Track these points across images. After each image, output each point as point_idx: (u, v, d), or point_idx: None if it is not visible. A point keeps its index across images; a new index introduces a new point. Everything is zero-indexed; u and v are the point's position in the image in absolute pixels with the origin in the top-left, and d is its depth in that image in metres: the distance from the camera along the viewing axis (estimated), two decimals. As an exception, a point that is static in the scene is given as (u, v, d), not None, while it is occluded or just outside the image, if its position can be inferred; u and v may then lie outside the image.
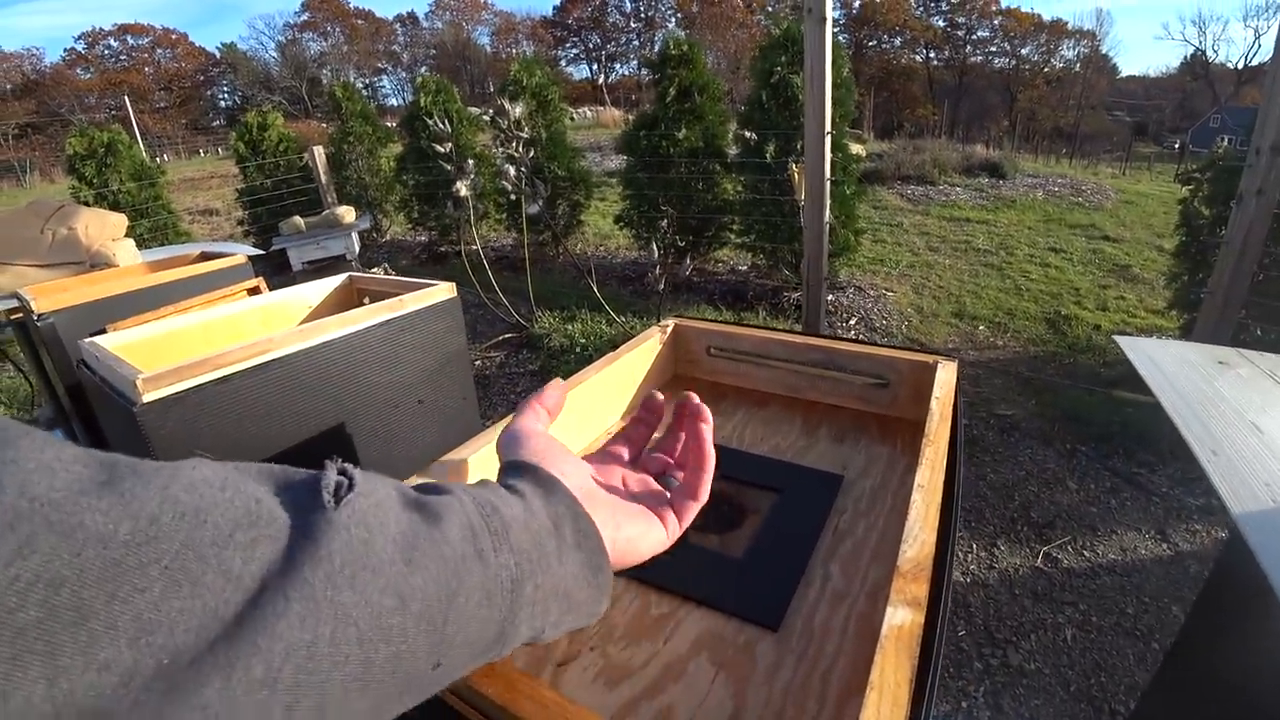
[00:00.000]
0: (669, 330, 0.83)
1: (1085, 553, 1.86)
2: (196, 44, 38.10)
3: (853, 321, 3.67)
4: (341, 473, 0.24)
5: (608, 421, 0.75)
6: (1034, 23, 34.20)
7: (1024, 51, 34.35)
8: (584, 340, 3.14)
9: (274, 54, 36.92)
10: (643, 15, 39.50)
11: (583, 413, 0.69)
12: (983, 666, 1.50)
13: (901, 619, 0.35)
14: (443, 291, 1.19)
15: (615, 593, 0.49)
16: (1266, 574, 0.46)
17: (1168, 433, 2.33)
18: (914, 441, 0.68)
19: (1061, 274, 4.50)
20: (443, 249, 5.47)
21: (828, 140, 2.58)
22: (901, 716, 0.30)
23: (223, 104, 37.36)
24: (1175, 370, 0.83)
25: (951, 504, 0.48)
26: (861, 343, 0.77)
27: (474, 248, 4.05)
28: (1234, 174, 2.43)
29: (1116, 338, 0.95)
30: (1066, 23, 34.51)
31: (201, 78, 37.18)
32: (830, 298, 3.84)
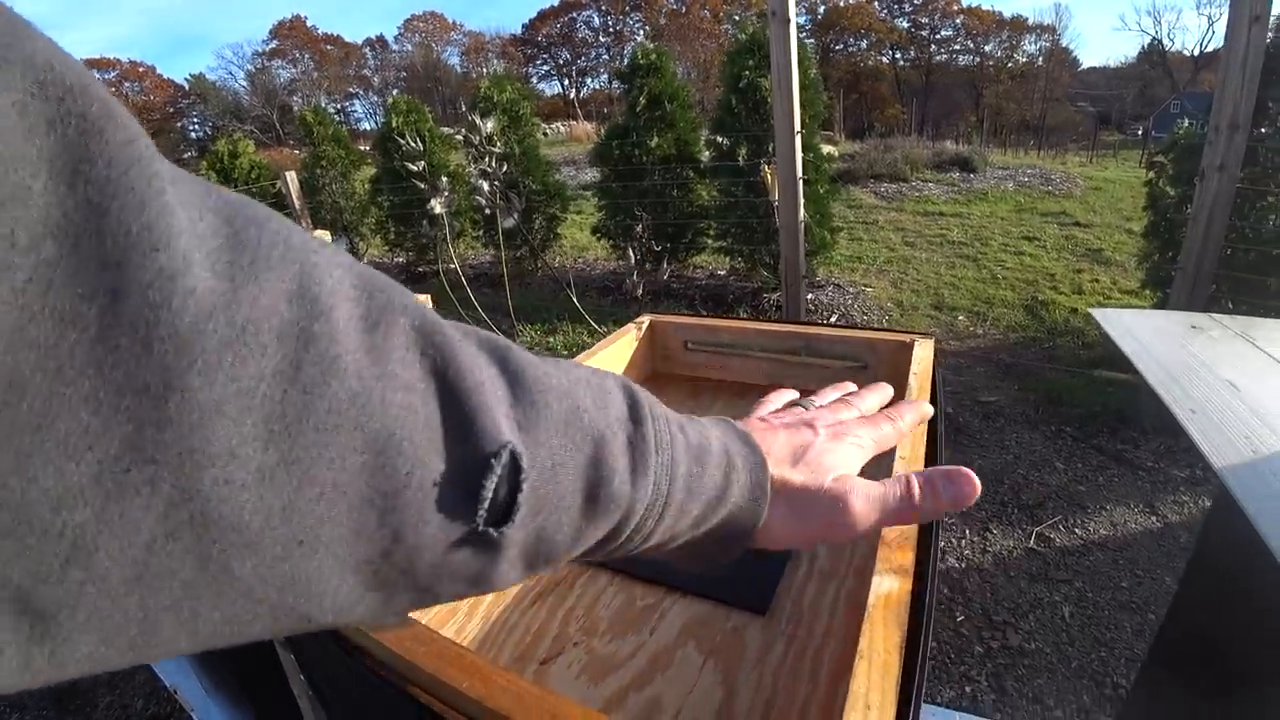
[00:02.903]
0: (644, 326, 0.82)
1: (1077, 530, 1.87)
2: (165, 76, 37.77)
3: (833, 319, 3.69)
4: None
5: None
6: (995, 20, 34.85)
7: (987, 49, 34.99)
8: (566, 352, 3.13)
9: (243, 83, 36.72)
10: (611, 30, 39.82)
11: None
12: (983, 650, 1.50)
13: (888, 587, 0.34)
14: (417, 303, 1.17)
15: (598, 588, 0.47)
16: (1253, 521, 0.46)
17: (1150, 408, 2.36)
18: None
19: (1036, 261, 4.56)
20: (421, 269, 5.44)
21: (798, 139, 2.60)
22: (892, 685, 0.29)
23: (194, 135, 37.01)
24: (1150, 338, 0.84)
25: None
26: (838, 327, 0.77)
27: (452, 266, 4.03)
28: (1195, 152, 2.48)
29: (1092, 310, 0.95)
30: (1026, 19, 35.25)
31: (171, 110, 36.85)
32: (810, 296, 3.86)
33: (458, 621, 0.45)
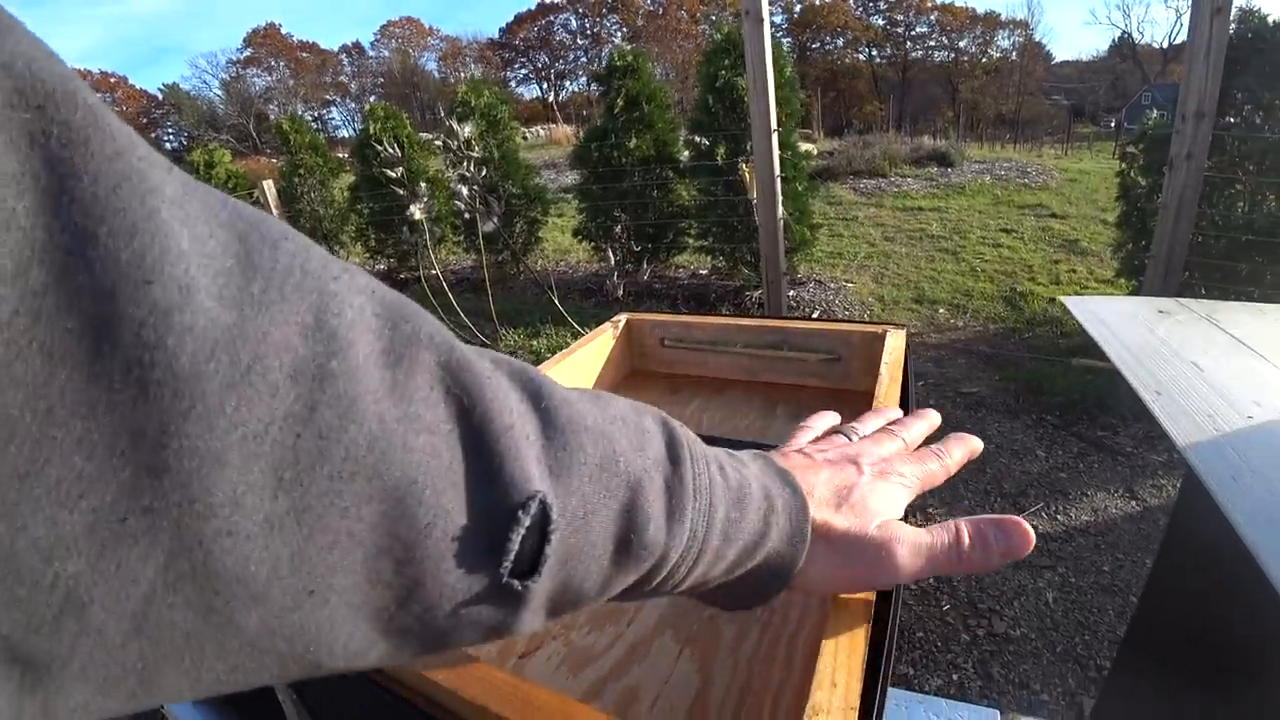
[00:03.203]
0: (620, 325, 0.83)
1: (1059, 517, 1.90)
2: (138, 87, 37.40)
3: (815, 315, 3.71)
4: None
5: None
6: (969, 16, 35.28)
7: (961, 44, 35.41)
8: (549, 355, 3.13)
9: (218, 92, 36.33)
10: (589, 32, 39.81)
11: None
12: (969, 638, 1.51)
13: (855, 570, 0.35)
14: (396, 308, 1.17)
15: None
16: (1215, 496, 0.47)
17: (1127, 394, 2.40)
18: (868, 409, 0.69)
19: (1014, 253, 4.62)
20: (403, 276, 5.41)
21: (774, 137, 2.62)
22: (859, 664, 0.30)
23: (169, 145, 36.46)
24: (1118, 323, 0.85)
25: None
26: (812, 320, 0.78)
27: (433, 272, 4.02)
28: (1164, 143, 2.53)
29: (1063, 298, 0.97)
30: (999, 14, 35.73)
31: (145, 120, 36.34)
32: (792, 293, 3.89)
33: (437, 621, 0.45)
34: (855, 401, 0.71)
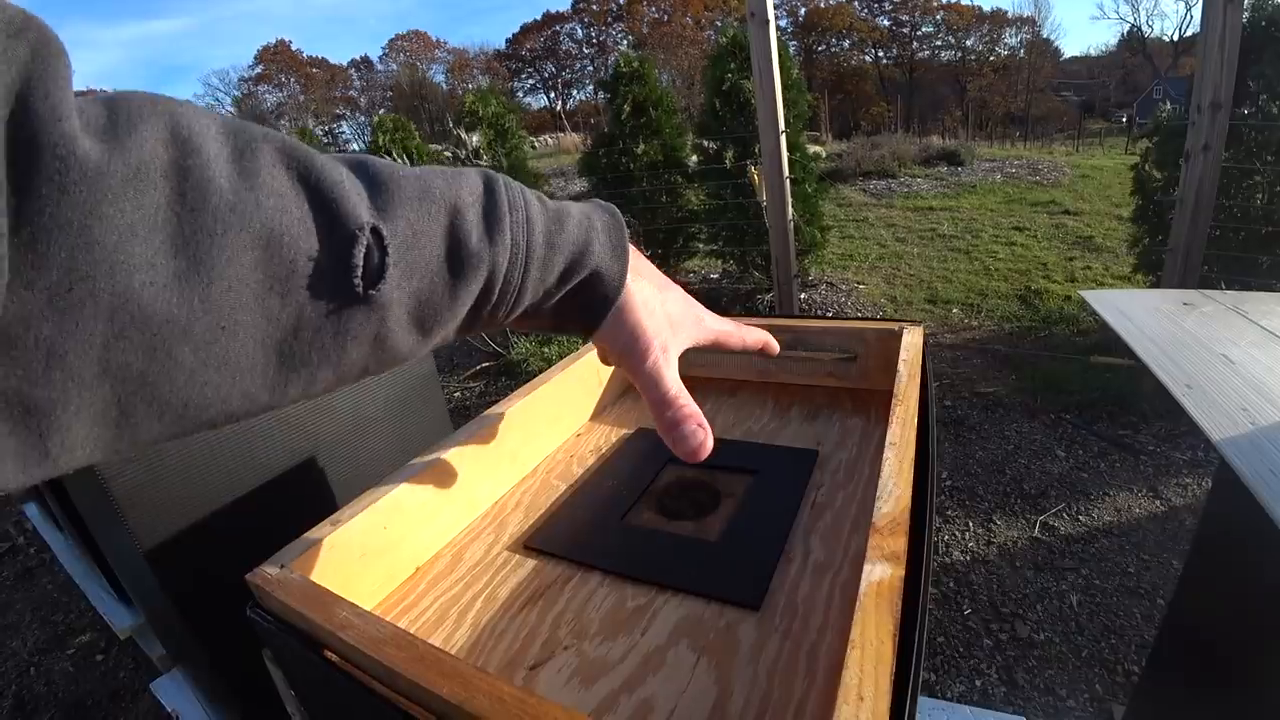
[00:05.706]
0: (632, 326, 0.81)
1: (1081, 518, 1.86)
2: (151, 108, 37.91)
3: (828, 316, 3.69)
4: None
5: (574, 426, 0.73)
6: (975, 14, 35.12)
7: (969, 43, 35.22)
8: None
9: (231, 109, 36.84)
10: (595, 41, 40.01)
11: (543, 420, 0.67)
12: (992, 643, 1.48)
13: (880, 574, 0.33)
14: (405, 316, 1.16)
15: (589, 590, 0.46)
16: (1254, 492, 0.45)
17: (1148, 391, 2.35)
18: (888, 409, 0.67)
19: (1028, 251, 4.57)
20: (414, 286, 5.44)
21: (783, 139, 2.60)
22: (886, 674, 0.28)
23: (182, 165, 37.02)
24: (1142, 316, 0.83)
25: (927, 460, 0.47)
26: (826, 319, 0.76)
27: (444, 280, 4.03)
28: (1179, 135, 2.49)
29: (1083, 293, 0.95)
30: (1006, 12, 35.55)
31: (159, 140, 36.85)
32: (803, 296, 3.86)
33: (445, 629, 0.44)
34: (873, 401, 0.70)
